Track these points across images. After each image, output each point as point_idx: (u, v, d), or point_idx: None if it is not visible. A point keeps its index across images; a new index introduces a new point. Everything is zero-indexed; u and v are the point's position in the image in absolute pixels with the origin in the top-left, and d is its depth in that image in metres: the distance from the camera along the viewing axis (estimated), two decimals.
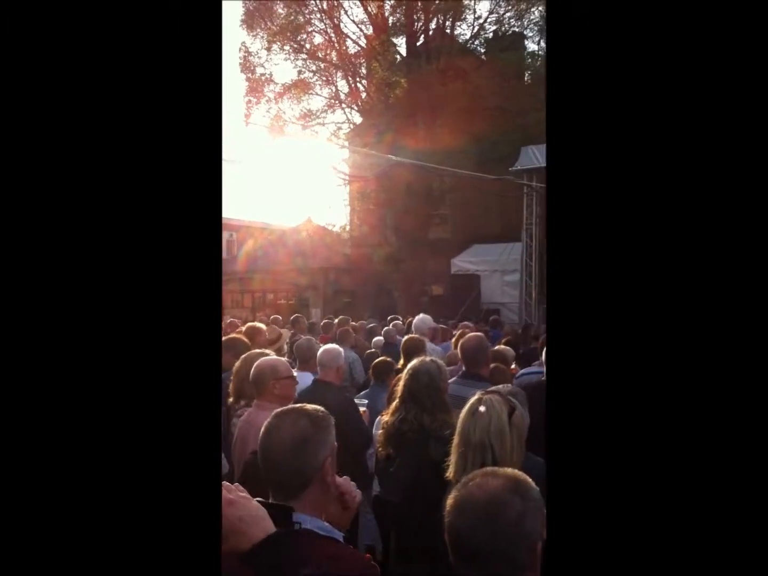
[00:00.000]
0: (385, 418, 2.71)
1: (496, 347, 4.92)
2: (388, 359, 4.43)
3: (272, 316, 7.77)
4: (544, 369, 4.18)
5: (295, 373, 3.64)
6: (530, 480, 1.32)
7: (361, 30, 15.56)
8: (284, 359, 2.94)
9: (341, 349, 3.86)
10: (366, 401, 3.94)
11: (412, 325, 5.85)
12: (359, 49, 15.53)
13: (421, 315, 5.86)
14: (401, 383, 2.70)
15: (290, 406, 1.65)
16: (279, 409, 1.59)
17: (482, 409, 1.97)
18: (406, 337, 4.56)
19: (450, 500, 1.27)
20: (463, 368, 3.29)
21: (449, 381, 2.89)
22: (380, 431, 2.71)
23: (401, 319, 8.22)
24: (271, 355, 3.20)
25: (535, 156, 11.33)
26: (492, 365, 3.49)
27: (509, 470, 1.35)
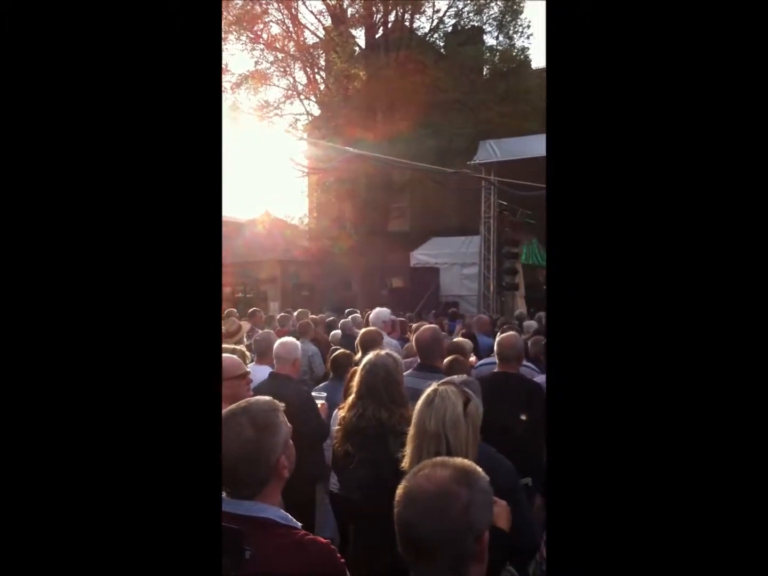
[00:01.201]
0: (342, 413, 2.70)
1: (454, 339, 4.97)
2: (348, 352, 4.42)
3: (227, 310, 7.66)
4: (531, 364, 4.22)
5: (251, 367, 3.61)
6: (479, 470, 1.33)
7: (319, 21, 15.44)
8: (236, 357, 2.89)
9: (298, 343, 3.83)
10: (324, 394, 3.93)
11: (369, 318, 5.86)
12: (317, 40, 15.40)
13: (378, 308, 5.86)
14: (357, 378, 2.68)
15: (233, 408, 1.62)
16: (224, 413, 1.57)
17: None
18: (362, 330, 4.55)
19: (399, 491, 1.27)
20: (419, 360, 3.30)
21: (404, 374, 2.90)
22: (337, 427, 2.69)
23: (359, 312, 8.22)
24: (228, 350, 3.16)
25: (493, 150, 11.43)
26: (451, 357, 3.51)
27: (458, 460, 1.36)
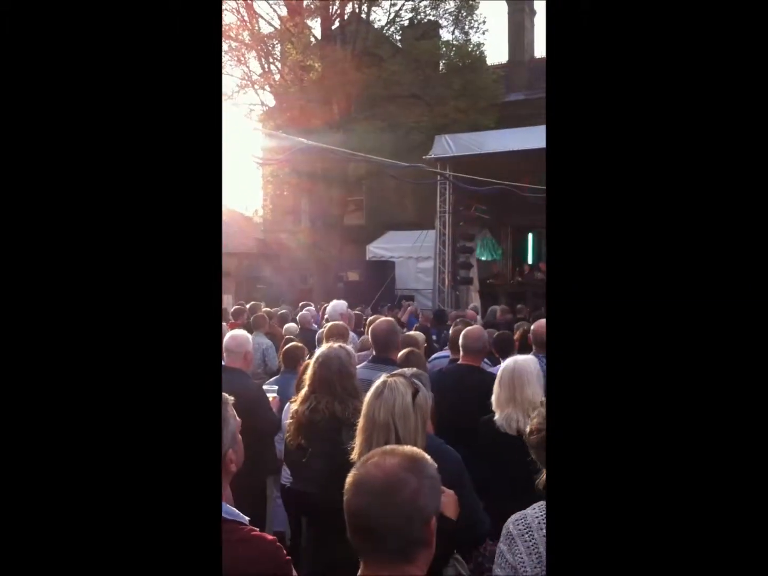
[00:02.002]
0: (294, 406, 2.68)
1: (408, 332, 5.00)
2: (299, 345, 4.40)
3: None
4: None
5: None
6: (427, 457, 1.35)
7: (274, 11, 15.25)
8: None
9: (248, 335, 3.79)
10: (276, 387, 3.90)
11: (326, 311, 5.84)
12: (273, 30, 15.21)
13: (335, 301, 5.85)
14: (310, 371, 2.67)
15: None
16: None
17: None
18: (330, 324, 4.54)
19: (348, 479, 1.28)
20: (374, 353, 3.31)
21: (358, 366, 2.90)
22: (289, 420, 2.68)
23: (313, 305, 8.18)
24: None
25: (448, 145, 11.51)
26: (407, 349, 3.53)
27: (407, 448, 1.38)
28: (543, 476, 1.69)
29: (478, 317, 7.38)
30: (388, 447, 1.42)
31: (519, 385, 2.78)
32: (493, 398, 2.84)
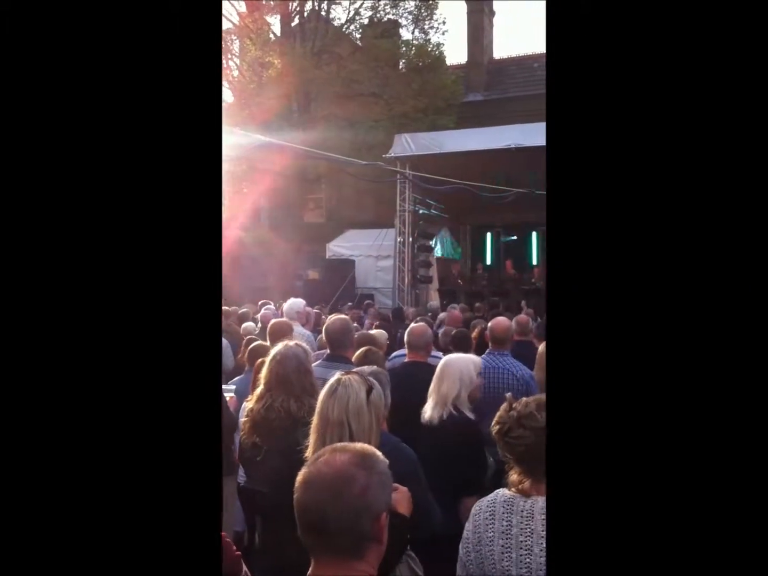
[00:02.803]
0: (250, 404, 2.66)
1: (369, 331, 5.00)
2: (265, 344, 4.35)
3: None
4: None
5: None
6: (378, 453, 1.37)
7: (233, 6, 15.07)
8: None
9: None
10: (233, 387, 3.86)
11: (283, 310, 5.80)
12: (231, 25, 15.03)
13: (291, 299, 5.81)
14: (266, 369, 2.65)
15: None
16: None
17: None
18: (272, 321, 4.50)
19: (299, 477, 1.29)
20: (328, 351, 3.30)
21: (313, 364, 2.89)
22: (244, 419, 2.66)
23: (273, 303, 8.12)
24: None
25: (408, 144, 11.53)
26: (365, 348, 3.53)
27: (357, 445, 1.40)
28: (511, 473, 1.74)
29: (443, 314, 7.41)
30: (338, 444, 1.43)
31: (438, 379, 2.94)
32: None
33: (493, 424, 1.75)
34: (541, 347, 3.75)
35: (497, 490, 1.75)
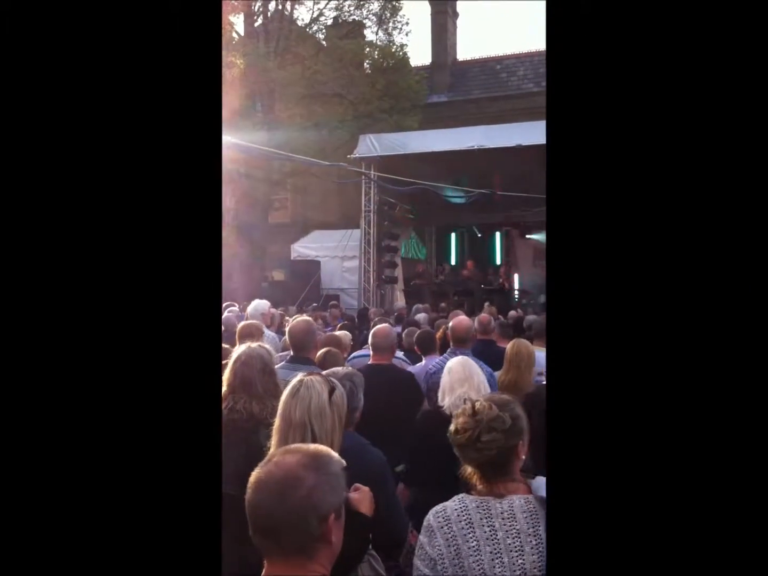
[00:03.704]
0: None
1: (333, 332, 5.00)
2: (226, 346, 4.31)
3: None
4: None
5: None
6: (332, 454, 1.38)
7: None
8: None
9: None
10: None
11: (248, 311, 5.76)
12: None
13: (256, 300, 5.78)
14: (229, 371, 2.64)
15: None
16: None
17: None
18: (241, 324, 4.47)
19: (251, 478, 1.30)
20: (292, 353, 3.30)
21: (276, 366, 2.89)
22: None
23: (238, 305, 8.04)
24: None
25: (373, 145, 11.55)
26: (324, 350, 3.53)
27: (310, 446, 1.42)
28: (466, 468, 1.72)
29: (424, 315, 7.42)
30: (292, 446, 1.45)
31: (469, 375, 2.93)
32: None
33: (454, 431, 1.71)
34: (509, 347, 3.81)
35: (455, 498, 1.69)
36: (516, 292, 14.51)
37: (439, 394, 2.94)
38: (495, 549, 1.56)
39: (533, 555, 1.54)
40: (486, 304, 10.50)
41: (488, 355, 4.18)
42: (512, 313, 8.50)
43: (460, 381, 2.88)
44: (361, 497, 1.82)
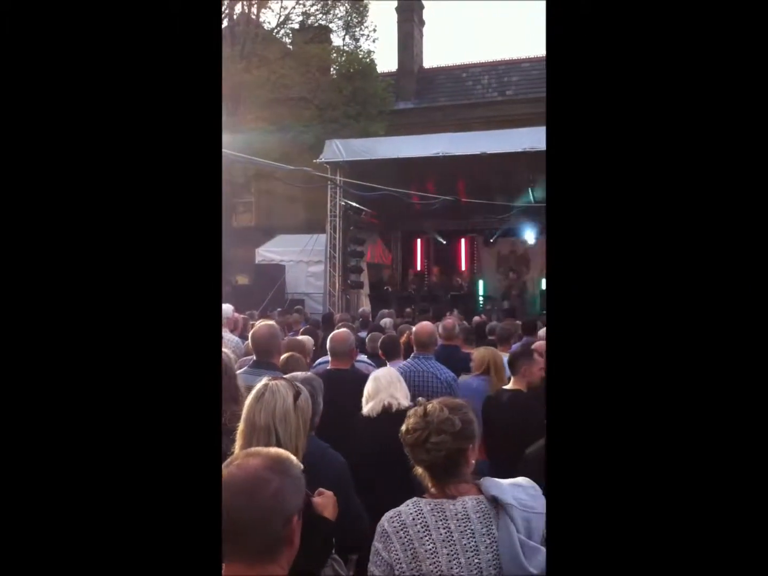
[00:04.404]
0: None
1: (296, 337, 4.97)
2: None
3: None
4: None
5: None
6: (292, 458, 1.38)
7: None
8: None
9: None
10: None
11: None
12: None
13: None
14: None
15: None
16: None
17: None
18: None
19: None
20: (255, 357, 3.28)
21: (239, 371, 2.87)
22: None
23: None
24: None
25: (339, 150, 11.56)
26: (287, 354, 3.51)
27: (271, 450, 1.42)
28: (417, 470, 1.73)
29: (389, 320, 7.42)
30: (253, 449, 1.46)
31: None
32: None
33: (405, 431, 1.73)
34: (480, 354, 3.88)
35: (409, 502, 1.70)
36: (480, 298, 14.66)
37: (363, 401, 3.01)
38: (452, 550, 1.59)
39: (488, 554, 1.57)
40: (454, 312, 10.52)
41: (452, 360, 4.22)
42: (476, 318, 8.58)
43: (381, 388, 2.98)
44: (325, 502, 1.82)
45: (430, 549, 1.59)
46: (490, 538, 1.58)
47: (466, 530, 1.60)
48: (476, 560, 1.57)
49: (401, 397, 2.96)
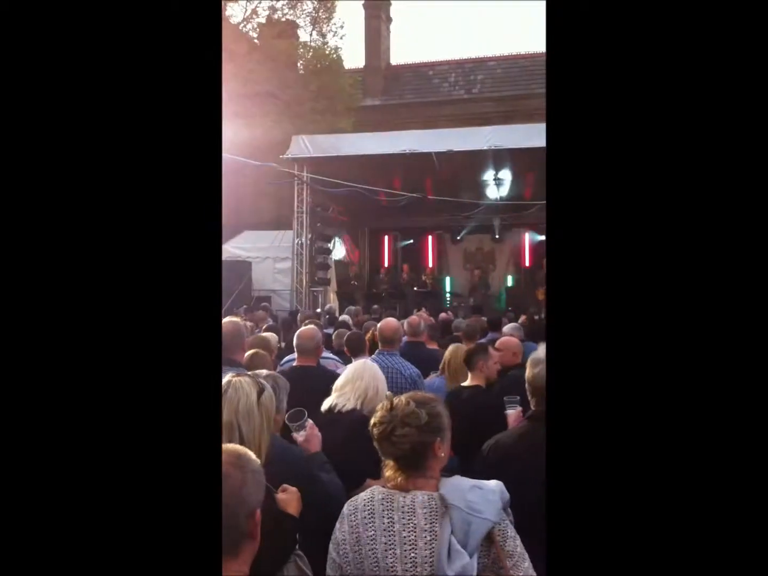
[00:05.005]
0: None
1: (261, 334, 4.96)
2: None
3: None
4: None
5: None
6: (250, 453, 1.40)
7: None
8: None
9: None
10: None
11: None
12: None
13: None
14: None
15: None
16: None
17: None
18: None
19: None
20: None
21: None
22: None
23: None
24: None
25: (306, 146, 11.50)
26: (252, 351, 3.50)
27: (230, 446, 1.44)
28: (386, 462, 1.76)
29: (348, 317, 7.42)
30: None
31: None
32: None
33: (372, 424, 1.76)
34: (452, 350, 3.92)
35: (370, 488, 1.75)
36: (447, 295, 14.76)
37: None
38: (389, 540, 1.63)
39: (425, 550, 1.59)
40: (422, 308, 10.56)
41: (417, 356, 4.26)
42: (442, 315, 8.65)
43: (346, 382, 2.97)
44: (289, 498, 1.84)
45: (371, 535, 1.65)
46: (431, 535, 1.59)
47: (408, 523, 1.62)
48: (412, 554, 1.59)
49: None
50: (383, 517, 1.66)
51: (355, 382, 2.94)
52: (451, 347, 4.10)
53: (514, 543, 1.63)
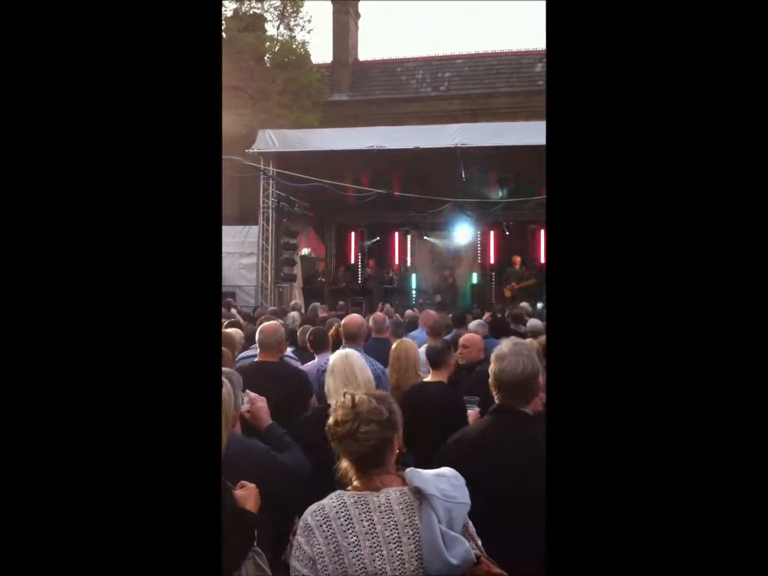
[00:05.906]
0: None
1: (224, 329, 4.89)
2: None
3: None
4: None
5: None
6: None
7: None
8: None
9: None
10: None
11: None
12: None
13: None
14: None
15: None
16: None
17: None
18: None
19: None
20: None
21: None
22: None
23: None
24: None
25: (272, 140, 11.41)
26: None
27: None
28: (342, 464, 1.73)
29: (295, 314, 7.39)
30: None
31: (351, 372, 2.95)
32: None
33: (333, 423, 1.71)
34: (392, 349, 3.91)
35: (332, 495, 1.68)
36: (413, 292, 14.81)
37: (326, 394, 2.97)
38: (374, 542, 1.58)
39: (410, 545, 1.58)
40: (388, 305, 10.55)
41: (381, 352, 4.25)
42: (408, 312, 8.67)
43: (343, 382, 2.92)
44: (247, 494, 1.82)
45: (353, 542, 1.58)
46: (412, 530, 1.59)
47: (389, 522, 1.60)
48: (398, 552, 1.58)
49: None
50: (362, 520, 1.61)
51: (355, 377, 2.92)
52: (399, 343, 4.02)
53: (472, 524, 1.69)
